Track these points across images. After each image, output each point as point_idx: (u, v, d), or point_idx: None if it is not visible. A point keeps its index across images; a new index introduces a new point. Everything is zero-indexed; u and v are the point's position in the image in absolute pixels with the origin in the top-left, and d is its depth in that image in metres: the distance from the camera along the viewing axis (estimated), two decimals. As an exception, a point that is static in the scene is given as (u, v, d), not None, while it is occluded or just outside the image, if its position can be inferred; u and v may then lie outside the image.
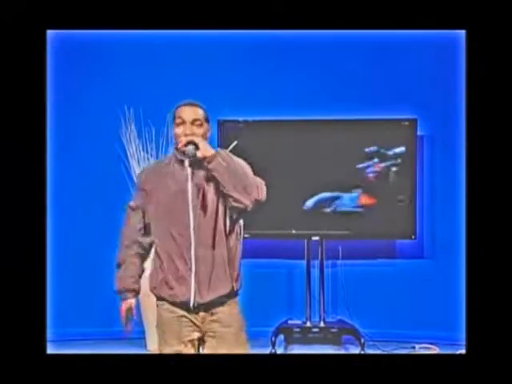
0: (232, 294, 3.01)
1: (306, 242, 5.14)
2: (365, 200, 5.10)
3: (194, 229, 2.94)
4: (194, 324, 2.97)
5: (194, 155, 2.89)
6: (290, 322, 5.18)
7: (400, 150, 5.07)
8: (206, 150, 2.88)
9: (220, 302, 2.98)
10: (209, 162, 2.87)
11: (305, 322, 5.15)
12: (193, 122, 2.99)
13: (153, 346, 5.05)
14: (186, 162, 2.97)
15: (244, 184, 2.86)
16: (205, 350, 2.98)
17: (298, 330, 5.14)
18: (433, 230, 5.32)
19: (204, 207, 2.96)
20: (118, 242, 3.10)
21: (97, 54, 5.33)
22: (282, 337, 5.17)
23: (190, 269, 2.94)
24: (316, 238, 5.13)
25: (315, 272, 5.21)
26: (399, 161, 5.06)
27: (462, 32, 2.97)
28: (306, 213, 5.09)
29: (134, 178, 5.15)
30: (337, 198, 5.10)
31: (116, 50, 5.30)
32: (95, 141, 5.29)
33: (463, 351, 2.88)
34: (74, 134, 5.31)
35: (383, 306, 5.25)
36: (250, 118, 5.04)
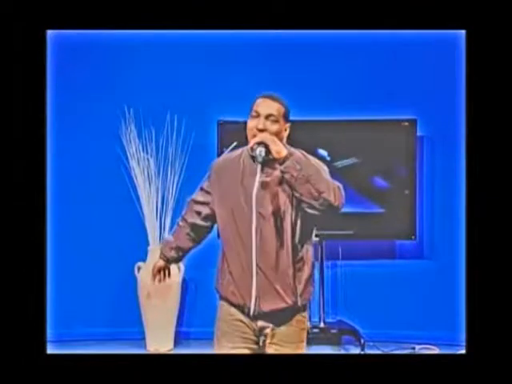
0: (295, 309, 2.85)
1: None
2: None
3: (255, 233, 2.78)
4: (250, 332, 2.84)
5: (264, 160, 2.71)
6: (290, 322, 5.18)
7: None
8: (277, 151, 2.67)
9: (282, 317, 2.83)
10: (281, 164, 2.67)
11: (305, 323, 5.15)
12: (267, 117, 2.78)
13: (153, 346, 5.05)
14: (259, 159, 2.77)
15: (319, 189, 2.65)
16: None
17: (298, 330, 5.14)
18: (433, 230, 5.31)
19: (269, 211, 2.79)
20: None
21: (97, 54, 5.32)
22: (282, 337, 5.17)
23: (251, 276, 2.79)
24: (316, 238, 5.12)
25: (315, 272, 5.20)
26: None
27: (462, 32, 2.97)
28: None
29: (134, 179, 5.16)
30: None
31: (116, 50, 5.29)
32: (95, 141, 5.29)
33: (463, 351, 2.88)
34: (74, 134, 5.29)
35: (383, 306, 5.25)
36: (250, 119, 5.03)
